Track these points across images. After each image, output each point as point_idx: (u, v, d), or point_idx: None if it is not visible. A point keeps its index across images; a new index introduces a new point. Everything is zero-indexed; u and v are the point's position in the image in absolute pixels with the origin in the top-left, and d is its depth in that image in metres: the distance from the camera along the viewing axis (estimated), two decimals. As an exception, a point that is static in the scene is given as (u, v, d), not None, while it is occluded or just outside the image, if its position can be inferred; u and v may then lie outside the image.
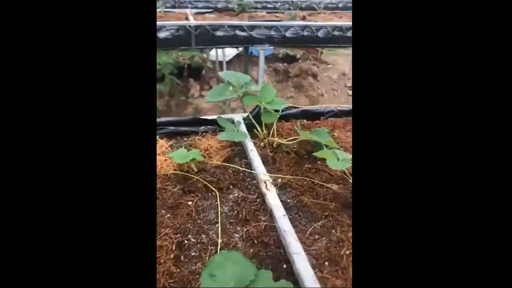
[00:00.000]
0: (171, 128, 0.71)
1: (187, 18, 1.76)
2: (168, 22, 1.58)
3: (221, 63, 3.33)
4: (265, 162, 0.62)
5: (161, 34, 1.57)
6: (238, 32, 1.67)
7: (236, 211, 0.52)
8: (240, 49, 3.76)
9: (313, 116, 0.82)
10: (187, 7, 2.12)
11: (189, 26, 1.58)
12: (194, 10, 1.91)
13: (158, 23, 1.58)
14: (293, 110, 0.81)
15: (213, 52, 3.54)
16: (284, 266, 0.43)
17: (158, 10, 1.89)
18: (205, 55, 3.58)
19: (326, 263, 0.43)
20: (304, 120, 0.82)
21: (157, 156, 0.63)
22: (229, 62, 3.33)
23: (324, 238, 0.47)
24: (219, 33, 1.64)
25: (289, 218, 0.48)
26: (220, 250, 0.44)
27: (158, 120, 0.72)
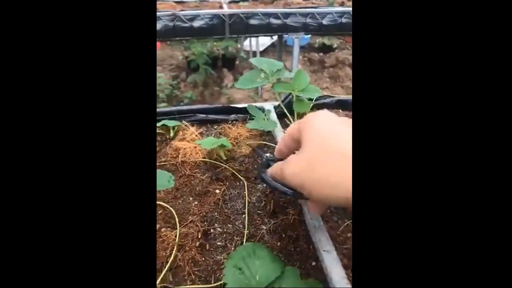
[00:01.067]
0: (202, 116, 0.70)
1: (221, 7, 1.75)
2: (202, 11, 1.58)
3: (254, 53, 3.30)
4: (296, 152, 0.59)
5: (196, 24, 1.57)
6: (272, 20, 1.63)
7: (264, 202, 0.50)
8: (275, 38, 3.69)
9: (349, 106, 0.77)
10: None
11: (223, 15, 1.56)
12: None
13: (193, 12, 1.58)
14: (328, 100, 0.77)
15: (247, 42, 3.53)
16: (313, 263, 0.40)
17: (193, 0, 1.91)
18: (239, 45, 3.57)
19: (359, 263, 0.40)
20: (340, 111, 0.77)
21: (187, 142, 0.63)
22: (263, 52, 3.29)
23: (357, 236, 0.43)
24: (253, 21, 1.61)
25: (320, 213, 0.46)
26: (246, 241, 0.43)
27: (189, 107, 0.72)
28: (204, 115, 0.70)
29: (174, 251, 0.41)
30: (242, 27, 1.62)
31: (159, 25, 1.58)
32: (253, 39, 3.25)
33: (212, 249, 0.43)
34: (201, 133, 0.67)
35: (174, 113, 0.70)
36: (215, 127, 0.70)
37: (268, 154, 0.41)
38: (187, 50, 3.25)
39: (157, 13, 1.56)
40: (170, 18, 1.56)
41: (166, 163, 0.59)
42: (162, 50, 4.00)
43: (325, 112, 0.33)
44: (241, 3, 1.91)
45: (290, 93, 0.69)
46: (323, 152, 0.29)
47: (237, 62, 3.40)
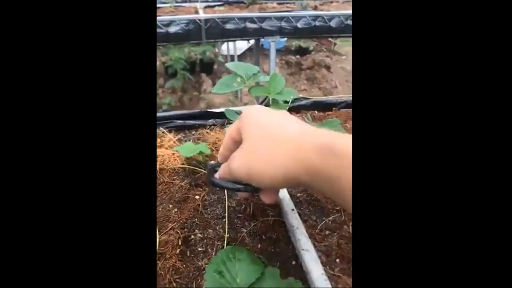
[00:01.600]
0: (179, 122, 0.70)
1: (197, 12, 1.75)
2: (178, 16, 1.58)
3: (232, 57, 3.31)
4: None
5: (172, 29, 1.56)
6: (248, 24, 1.65)
7: (243, 205, 0.51)
8: (252, 42, 3.72)
9: (325, 107, 0.79)
10: (197, 1, 2.10)
11: (199, 20, 1.56)
12: (204, 4, 1.90)
13: (168, 17, 1.57)
14: (304, 101, 0.79)
15: (224, 47, 3.53)
16: (293, 263, 0.41)
17: (168, 5, 1.89)
18: (216, 50, 3.57)
19: (337, 260, 0.41)
20: (316, 112, 0.79)
21: (165, 149, 0.62)
22: (241, 56, 3.31)
23: (335, 233, 0.45)
24: (229, 25, 1.62)
25: (298, 213, 0.47)
26: (227, 245, 0.43)
27: (166, 114, 0.71)
28: (181, 121, 0.70)
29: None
30: (218, 31, 1.62)
31: (133, 31, 1.55)
32: (231, 44, 3.26)
33: (193, 255, 0.42)
34: (179, 139, 0.66)
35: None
36: (193, 132, 0.70)
37: (212, 162, 0.42)
38: (164, 55, 3.21)
39: (131, 19, 1.54)
40: (144, 24, 1.55)
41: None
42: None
43: (259, 106, 0.35)
44: (216, 8, 1.91)
45: (267, 97, 0.70)
46: (262, 139, 0.30)
47: (215, 67, 3.39)
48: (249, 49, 3.74)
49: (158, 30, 1.56)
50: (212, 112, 0.72)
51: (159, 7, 1.88)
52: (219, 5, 1.93)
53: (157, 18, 1.56)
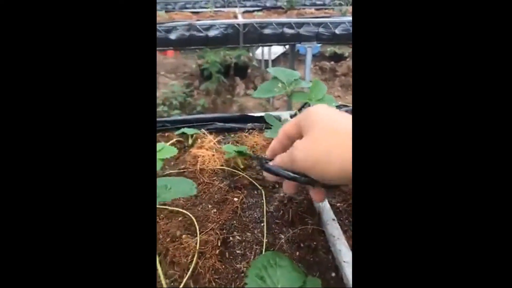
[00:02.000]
0: (219, 124, 0.71)
1: (235, 17, 1.79)
2: (217, 21, 1.62)
3: (266, 62, 3.33)
4: (313, 162, 0.59)
5: (211, 33, 1.61)
6: (285, 30, 1.65)
7: (282, 211, 0.50)
8: (287, 47, 3.72)
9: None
10: (236, 6, 2.15)
11: (238, 25, 1.60)
12: (243, 9, 1.93)
13: (208, 21, 1.62)
14: (343, 109, 0.77)
15: (259, 51, 3.56)
16: (333, 274, 0.40)
17: (208, 10, 1.95)
18: (250, 54, 3.61)
19: (380, 275, 0.39)
20: (356, 120, 0.77)
21: (205, 150, 0.64)
22: (275, 61, 3.32)
23: (377, 247, 0.43)
24: (267, 31, 1.64)
25: (339, 223, 0.45)
26: (265, 250, 0.43)
27: (208, 116, 0.73)
28: (221, 124, 0.71)
29: (195, 258, 0.41)
30: (256, 36, 1.64)
31: (175, 35, 1.62)
32: (266, 48, 3.28)
33: (232, 257, 0.43)
34: (218, 141, 0.68)
35: (192, 121, 0.72)
36: (232, 135, 0.71)
37: (261, 155, 0.43)
38: (201, 58, 3.31)
39: (174, 23, 1.60)
40: (186, 28, 1.60)
41: (185, 170, 0.60)
42: (176, 58, 4.08)
43: (323, 105, 0.35)
44: (255, 13, 1.94)
45: (306, 102, 0.69)
46: (331, 133, 0.31)
47: (249, 71, 3.43)
48: (284, 54, 3.74)
49: (197, 34, 1.61)
50: (251, 116, 0.73)
51: (200, 12, 1.94)
52: (257, 10, 1.96)
53: (198, 22, 1.61)
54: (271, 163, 0.37)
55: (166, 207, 0.51)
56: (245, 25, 1.62)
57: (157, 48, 1.77)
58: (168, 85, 3.13)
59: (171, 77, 3.40)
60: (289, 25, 1.67)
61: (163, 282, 0.37)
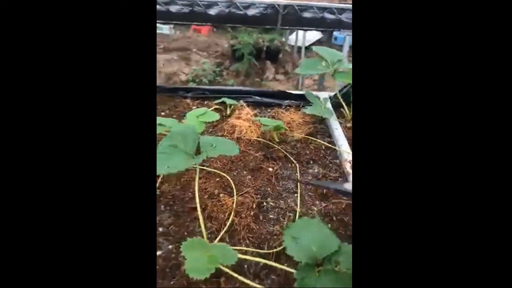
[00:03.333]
0: (257, 98, 0.72)
1: (275, -3, 1.76)
2: (258, 0, 1.61)
3: (299, 48, 3.26)
4: (350, 143, 0.59)
5: (250, 12, 1.60)
6: (326, 15, 1.61)
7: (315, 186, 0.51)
8: (322, 34, 3.62)
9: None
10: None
11: (278, 5, 1.57)
12: (284, -10, 1.89)
13: (249, 0, 1.60)
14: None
15: (292, 37, 3.49)
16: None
17: (249, -12, 1.92)
18: (283, 39, 3.55)
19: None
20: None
21: (243, 121, 0.65)
22: (308, 48, 3.25)
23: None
24: (306, 14, 1.60)
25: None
26: (298, 218, 0.44)
27: (245, 88, 0.74)
28: (259, 97, 0.72)
29: (231, 216, 0.43)
30: (295, 19, 1.61)
31: (214, 11, 1.62)
32: (300, 35, 3.21)
33: (265, 220, 0.45)
34: (255, 114, 0.69)
35: (231, 92, 0.73)
36: (269, 110, 0.72)
37: None
38: (234, 39, 3.29)
39: (214, -2, 1.60)
40: (226, 5, 1.60)
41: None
42: (208, 37, 4.08)
43: None
44: (296, -5, 1.90)
45: (348, 84, 0.68)
46: None
47: (280, 56, 3.38)
48: (318, 41, 3.65)
49: (237, 11, 1.60)
50: (289, 93, 0.73)
51: (240, -10, 1.92)
52: (299, -8, 1.91)
53: (238, 0, 1.60)
54: None
55: (205, 168, 0.53)
56: (285, 6, 1.59)
57: (195, 23, 1.78)
58: (200, 63, 3.16)
59: (203, 55, 3.42)
60: (331, 10, 1.62)
61: (204, 233, 0.39)
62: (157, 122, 0.55)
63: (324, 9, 1.60)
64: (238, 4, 1.58)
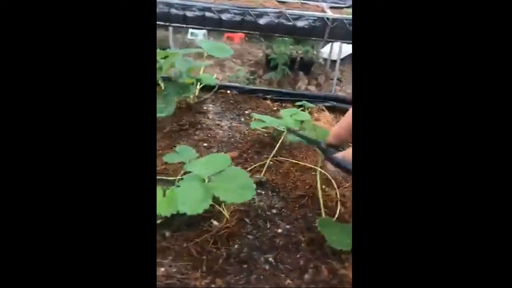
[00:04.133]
0: (335, 103, 0.77)
1: (323, 11, 1.82)
2: (307, 12, 1.67)
3: (333, 61, 3.31)
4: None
5: (299, 23, 1.67)
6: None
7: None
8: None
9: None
10: (325, 1, 2.18)
11: (327, 18, 1.63)
12: (330, 4, 1.96)
13: (296, 12, 1.67)
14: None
15: (324, 50, 3.55)
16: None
17: (296, 0, 2.00)
18: (315, 52, 3.61)
19: None
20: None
21: (323, 124, 0.69)
22: (343, 61, 3.29)
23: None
24: (354, 28, 1.66)
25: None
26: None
27: (322, 94, 0.79)
28: (336, 103, 0.77)
29: (338, 205, 0.48)
30: (343, 32, 1.67)
31: (264, 20, 1.70)
32: (334, 48, 3.26)
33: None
34: (334, 118, 0.73)
35: (309, 96, 0.78)
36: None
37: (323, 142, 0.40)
38: (269, 48, 3.38)
39: (265, 9, 1.68)
40: (276, 16, 1.68)
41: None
42: (241, 45, 4.20)
43: None
44: (344, 9, 1.96)
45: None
46: None
47: (313, 68, 3.44)
48: (349, 56, 3.70)
49: (287, 22, 1.67)
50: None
51: (287, 2, 2.00)
52: (347, 7, 1.97)
53: (288, 11, 1.67)
54: (338, 156, 0.35)
55: (299, 162, 0.57)
56: (334, 19, 1.65)
57: (243, 31, 1.85)
58: (235, 70, 3.25)
59: (237, 63, 3.52)
60: (378, 26, 1.68)
61: (323, 212, 0.43)
62: (254, 116, 0.60)
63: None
64: (288, 15, 1.65)
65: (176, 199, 0.35)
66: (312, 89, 3.21)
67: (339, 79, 3.35)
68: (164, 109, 0.53)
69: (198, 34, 3.82)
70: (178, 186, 0.39)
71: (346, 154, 0.35)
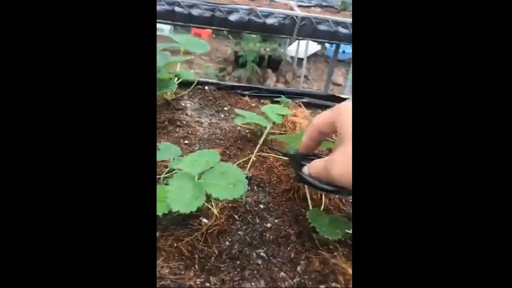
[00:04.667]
0: (310, 99, 0.79)
1: (291, 9, 1.85)
2: (276, 9, 1.69)
3: (300, 60, 3.38)
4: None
5: (269, 21, 1.68)
6: (340, 29, 1.72)
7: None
8: (319, 47, 3.77)
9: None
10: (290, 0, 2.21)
11: (296, 17, 1.66)
12: (298, 3, 2.00)
13: (266, 9, 1.68)
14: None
15: (291, 48, 3.62)
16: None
17: (265, -2, 2.01)
18: (282, 50, 3.67)
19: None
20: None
21: (300, 119, 0.71)
22: (309, 59, 3.37)
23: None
24: (322, 27, 1.71)
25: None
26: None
27: (299, 90, 0.80)
28: (312, 99, 0.79)
29: (323, 197, 0.49)
30: (310, 31, 1.71)
31: (235, 17, 1.68)
32: (302, 46, 3.33)
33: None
34: (310, 113, 0.75)
35: (285, 92, 0.79)
36: (320, 111, 0.78)
37: (292, 152, 0.43)
38: (237, 45, 3.37)
39: (236, 5, 1.67)
40: (247, 12, 1.67)
41: (286, 132, 0.67)
42: (208, 41, 4.13)
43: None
44: (312, 9, 2.01)
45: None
46: None
47: (281, 65, 3.49)
48: (314, 54, 3.80)
49: (257, 19, 1.68)
50: (342, 97, 0.81)
51: (256, -1, 2.00)
52: (314, 6, 2.02)
53: (259, 8, 1.68)
54: (305, 170, 0.36)
55: (281, 157, 0.58)
56: (303, 18, 1.68)
57: (213, 27, 1.83)
58: (202, 66, 3.20)
59: (205, 59, 3.46)
60: (345, 25, 1.74)
61: (310, 205, 0.44)
62: (237, 112, 0.60)
63: (338, 23, 1.71)
64: (258, 12, 1.65)
65: (166, 197, 0.34)
66: (280, 86, 3.25)
67: (306, 77, 3.43)
68: (143, 105, 0.51)
69: (164, 30, 3.69)
70: (166, 184, 0.37)
71: (312, 170, 0.35)
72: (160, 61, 0.55)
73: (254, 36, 3.20)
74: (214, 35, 4.16)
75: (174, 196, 0.33)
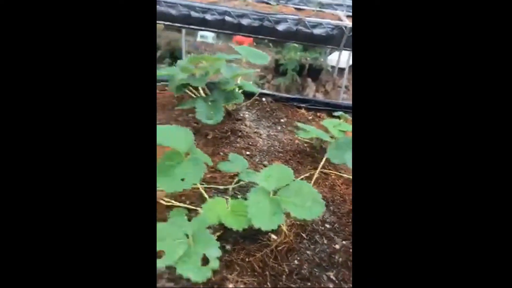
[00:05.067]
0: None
1: (340, 19, 1.83)
2: (325, 20, 1.67)
3: (340, 69, 3.32)
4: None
5: (316, 31, 1.67)
6: (390, 41, 1.67)
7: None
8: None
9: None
10: (339, 10, 2.19)
11: (345, 27, 1.64)
12: (347, 13, 1.97)
13: (314, 19, 1.68)
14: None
15: (332, 57, 3.56)
16: None
17: (311, 8, 2.01)
18: (322, 59, 3.63)
19: None
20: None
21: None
22: (350, 70, 3.30)
23: None
24: (371, 38, 1.66)
25: None
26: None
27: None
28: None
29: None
30: (360, 42, 1.68)
31: (282, 27, 1.70)
32: (344, 56, 3.27)
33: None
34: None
35: (340, 106, 0.78)
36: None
37: None
38: (278, 54, 3.39)
39: (284, 15, 1.68)
40: (295, 22, 1.68)
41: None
42: (249, 49, 4.20)
43: None
44: (362, 19, 1.98)
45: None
46: None
47: (321, 75, 3.45)
48: (356, 64, 3.71)
49: (304, 29, 1.67)
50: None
51: (303, 9, 2.01)
52: (364, 17, 1.99)
53: (307, 18, 1.68)
54: None
55: (343, 175, 0.57)
56: (351, 28, 1.65)
57: (256, 36, 1.85)
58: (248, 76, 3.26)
59: (245, 67, 3.52)
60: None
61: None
62: (299, 125, 0.59)
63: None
64: (306, 22, 1.65)
65: (245, 212, 0.34)
66: (320, 96, 3.21)
67: (346, 87, 3.35)
68: (212, 116, 0.52)
69: (208, 37, 3.82)
70: (244, 198, 0.38)
71: None
72: (227, 72, 0.57)
73: (296, 45, 3.20)
74: (255, 43, 4.23)
75: (254, 212, 0.34)
